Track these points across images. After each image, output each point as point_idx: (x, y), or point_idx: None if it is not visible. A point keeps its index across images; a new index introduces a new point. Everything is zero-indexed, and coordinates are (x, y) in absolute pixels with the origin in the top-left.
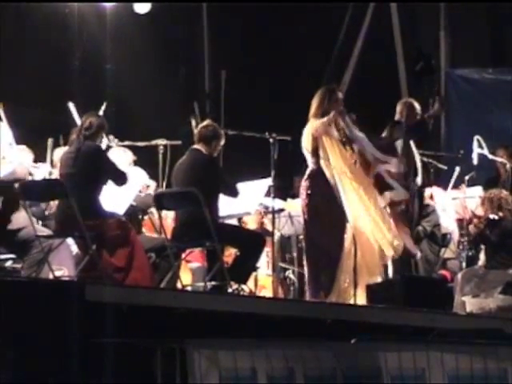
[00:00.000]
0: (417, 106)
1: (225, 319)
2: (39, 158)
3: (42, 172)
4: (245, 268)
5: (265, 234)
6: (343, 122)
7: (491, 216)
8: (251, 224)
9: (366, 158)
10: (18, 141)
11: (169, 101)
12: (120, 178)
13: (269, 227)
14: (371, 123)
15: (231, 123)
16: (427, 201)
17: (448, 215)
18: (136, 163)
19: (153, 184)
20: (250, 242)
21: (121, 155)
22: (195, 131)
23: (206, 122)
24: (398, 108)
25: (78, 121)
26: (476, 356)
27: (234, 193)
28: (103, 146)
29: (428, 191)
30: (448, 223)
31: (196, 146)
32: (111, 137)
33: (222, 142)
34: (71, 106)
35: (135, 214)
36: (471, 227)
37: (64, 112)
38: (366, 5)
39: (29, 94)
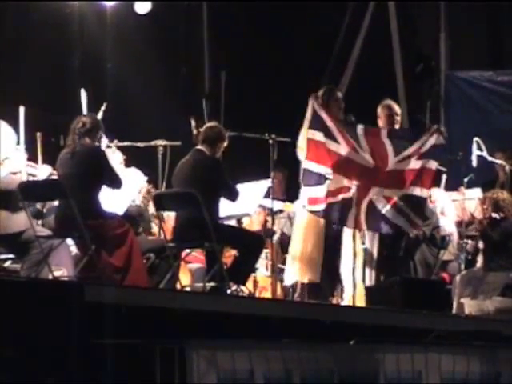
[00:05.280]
0: (395, 107)
1: (224, 320)
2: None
3: (43, 173)
4: (244, 269)
5: (267, 234)
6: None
7: (493, 215)
8: (255, 224)
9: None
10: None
11: (168, 101)
12: (115, 182)
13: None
14: (369, 124)
15: (231, 124)
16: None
17: (447, 217)
18: (128, 163)
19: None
20: (250, 243)
21: (110, 156)
22: (195, 132)
23: (211, 123)
24: (378, 111)
25: (85, 110)
26: (473, 358)
27: (233, 196)
28: (102, 145)
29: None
30: (447, 225)
31: (199, 147)
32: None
33: (225, 144)
34: (83, 93)
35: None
36: (475, 225)
37: (64, 112)
38: (365, 5)
39: (29, 94)
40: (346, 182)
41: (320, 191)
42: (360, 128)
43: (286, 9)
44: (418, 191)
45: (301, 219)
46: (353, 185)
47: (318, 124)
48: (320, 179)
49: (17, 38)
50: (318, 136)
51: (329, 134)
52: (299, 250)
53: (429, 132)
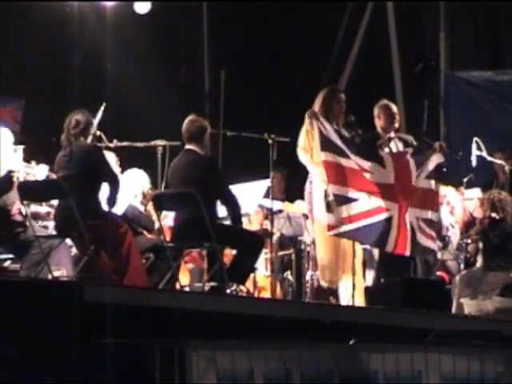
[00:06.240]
0: (394, 106)
1: (223, 320)
2: (40, 158)
3: (42, 173)
4: (243, 269)
5: (265, 235)
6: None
7: (493, 215)
8: (254, 223)
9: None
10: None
11: (168, 101)
12: (113, 182)
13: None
14: (367, 124)
15: (230, 124)
16: None
17: (455, 217)
18: (127, 163)
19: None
20: (249, 242)
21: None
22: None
23: (190, 117)
24: (376, 111)
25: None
26: (473, 358)
27: (231, 207)
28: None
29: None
30: (452, 224)
31: (189, 147)
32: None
33: (209, 131)
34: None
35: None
36: (474, 226)
37: (65, 111)
38: (364, 5)
39: (29, 93)
40: (381, 203)
41: (351, 209)
42: (386, 153)
43: (285, 9)
44: (429, 215)
45: (322, 225)
46: (393, 206)
47: (327, 144)
48: (347, 200)
49: (17, 37)
50: (332, 157)
51: (342, 153)
52: (327, 255)
53: (432, 149)
